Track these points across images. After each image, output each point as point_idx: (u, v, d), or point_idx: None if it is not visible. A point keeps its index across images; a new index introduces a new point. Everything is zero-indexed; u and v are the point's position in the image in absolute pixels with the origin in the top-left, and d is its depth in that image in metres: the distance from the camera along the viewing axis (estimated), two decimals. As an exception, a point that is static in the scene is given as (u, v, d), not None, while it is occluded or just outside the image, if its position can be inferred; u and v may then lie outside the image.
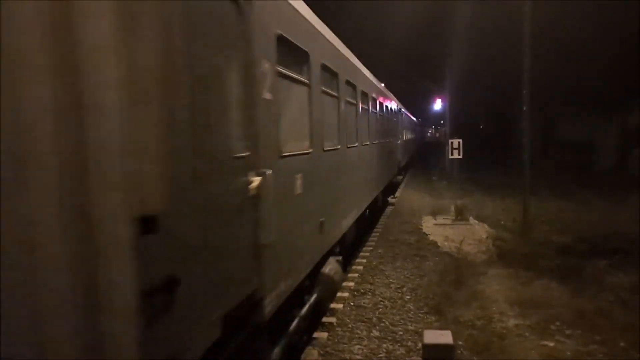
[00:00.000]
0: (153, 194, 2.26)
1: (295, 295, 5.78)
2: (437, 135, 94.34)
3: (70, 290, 2.08)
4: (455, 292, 8.90)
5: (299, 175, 5.71)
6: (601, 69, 26.77)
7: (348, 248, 9.73)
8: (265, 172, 4.25)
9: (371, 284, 9.59)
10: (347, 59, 9.81)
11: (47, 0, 2.00)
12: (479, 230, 14.54)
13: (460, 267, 10.27)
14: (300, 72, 6.20)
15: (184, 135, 2.95)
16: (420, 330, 7.21)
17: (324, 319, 7.73)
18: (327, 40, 7.82)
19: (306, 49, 6.27)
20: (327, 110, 7.65)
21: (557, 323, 7.49)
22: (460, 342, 6.68)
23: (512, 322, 7.61)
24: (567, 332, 7.24)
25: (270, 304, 4.61)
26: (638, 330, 7.06)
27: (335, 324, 7.59)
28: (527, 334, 7.20)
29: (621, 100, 29.31)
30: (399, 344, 6.93)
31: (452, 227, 14.94)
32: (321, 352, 6.68)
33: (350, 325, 7.57)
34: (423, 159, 48.11)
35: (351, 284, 9.49)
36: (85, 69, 2.09)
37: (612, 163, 29.72)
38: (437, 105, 44.74)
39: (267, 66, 4.65)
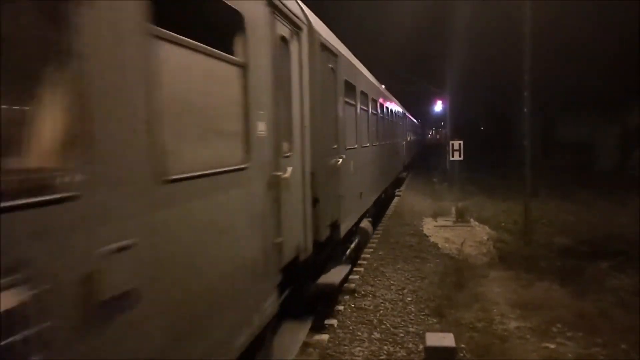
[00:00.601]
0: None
1: (348, 236, 9.49)
2: (438, 136, 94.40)
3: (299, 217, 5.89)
4: (456, 294, 8.89)
5: (351, 162, 9.36)
6: (601, 70, 26.79)
7: (372, 216, 13.53)
8: (342, 157, 8.22)
9: (372, 285, 9.58)
10: (373, 83, 13.93)
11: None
12: (479, 232, 14.54)
13: (461, 269, 10.27)
14: (351, 98, 9.75)
15: (319, 139, 6.72)
16: (421, 332, 7.21)
17: (325, 321, 7.72)
18: (363, 73, 11.74)
19: (354, 84, 10.09)
20: (363, 120, 11.50)
21: (559, 325, 7.49)
22: (462, 345, 6.67)
23: (513, 324, 7.60)
24: (569, 334, 7.24)
25: (342, 229, 8.35)
26: (639, 332, 7.05)
27: (336, 325, 7.59)
28: (528, 336, 7.20)
29: (621, 101, 29.30)
30: (399, 346, 6.92)
31: (452, 229, 14.94)
32: (322, 353, 6.67)
33: (351, 327, 7.57)
34: (424, 160, 48.13)
35: (352, 285, 9.48)
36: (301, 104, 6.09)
37: (612, 164, 29.70)
38: (438, 106, 44.71)
39: (340, 98, 8.48)
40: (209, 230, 3.44)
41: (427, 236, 14.08)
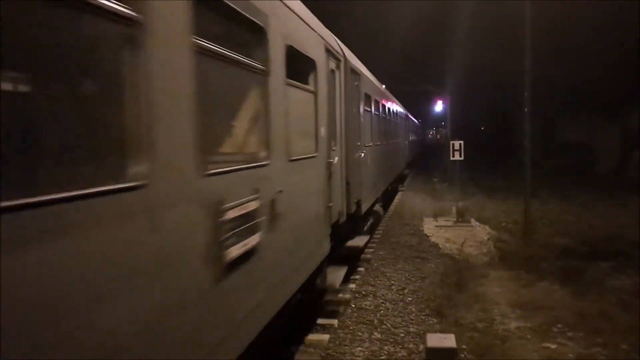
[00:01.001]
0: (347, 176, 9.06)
1: (366, 215, 12.19)
2: (438, 136, 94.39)
3: (339, 192, 8.48)
4: (457, 294, 8.89)
5: (369, 156, 11.59)
6: (602, 71, 26.78)
7: (382, 202, 17.01)
8: (363, 152, 10.65)
9: (372, 286, 9.58)
10: (383, 91, 17.11)
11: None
12: (480, 232, 14.54)
13: (462, 269, 10.28)
14: (368, 106, 12.13)
15: (349, 138, 9.20)
16: (422, 332, 7.22)
17: (325, 322, 7.73)
18: (376, 85, 14.68)
19: (370, 94, 12.55)
20: (376, 123, 13.82)
21: (559, 325, 7.49)
22: (463, 346, 6.67)
23: (513, 324, 7.60)
24: (569, 334, 7.24)
25: (363, 207, 10.67)
26: (639, 332, 7.06)
27: (336, 326, 7.59)
28: (529, 336, 7.20)
29: (622, 102, 29.30)
30: (400, 346, 6.92)
31: (453, 229, 14.94)
32: (322, 354, 6.67)
33: (351, 328, 7.57)
34: (424, 160, 48.11)
35: (352, 285, 9.48)
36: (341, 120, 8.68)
37: (612, 165, 29.70)
38: (438, 106, 44.72)
39: (361, 107, 10.87)
40: (304, 190, 6.20)
41: (428, 236, 14.08)
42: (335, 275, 8.25)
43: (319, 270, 7.19)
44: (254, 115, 4.69)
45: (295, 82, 5.60)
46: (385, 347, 6.91)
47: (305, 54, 6.27)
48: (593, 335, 7.15)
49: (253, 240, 4.07)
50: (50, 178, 2.21)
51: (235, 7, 3.86)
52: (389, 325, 7.67)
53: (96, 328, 2.27)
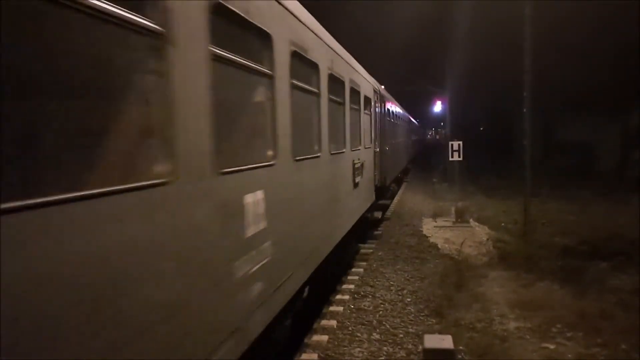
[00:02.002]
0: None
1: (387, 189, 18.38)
2: (437, 137, 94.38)
3: (376, 169, 14.44)
4: (456, 294, 8.87)
5: (390, 151, 17.84)
6: (602, 70, 26.76)
7: (397, 181, 24.20)
8: (387, 147, 16.94)
9: (371, 286, 9.56)
10: (396, 103, 22.71)
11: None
12: (479, 232, 14.52)
13: (461, 270, 10.25)
14: (389, 117, 18.11)
15: (379, 138, 15.26)
16: (420, 333, 7.19)
17: (324, 323, 7.70)
18: (392, 100, 20.19)
19: (389, 109, 18.04)
20: (392, 127, 19.42)
21: (559, 325, 7.46)
22: (460, 347, 6.65)
23: (513, 324, 7.58)
24: (569, 334, 7.21)
25: (387, 180, 17.20)
26: (639, 332, 7.02)
27: (335, 327, 7.57)
28: (528, 336, 7.18)
29: (622, 101, 29.26)
30: (399, 347, 6.90)
31: (452, 230, 14.93)
32: (322, 355, 6.65)
33: (350, 328, 7.55)
34: (423, 160, 48.09)
35: (351, 286, 9.46)
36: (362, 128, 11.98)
37: (612, 165, 29.66)
38: (437, 107, 44.73)
39: (385, 118, 16.48)
40: (366, 164, 12.05)
41: (427, 236, 14.06)
42: (377, 214, 15.70)
43: (370, 209, 13.33)
44: (334, 124, 8.03)
45: (357, 107, 10.74)
46: (384, 348, 6.89)
47: (365, 93, 11.79)
48: (593, 335, 7.12)
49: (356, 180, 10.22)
50: (101, 175, 2.63)
51: (303, 55, 5.97)
52: (388, 325, 7.65)
53: (148, 296, 2.80)
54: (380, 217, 15.87)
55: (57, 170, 2.41)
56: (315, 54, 6.68)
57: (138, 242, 2.71)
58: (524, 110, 13.02)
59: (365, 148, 11.65)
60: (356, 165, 10.14)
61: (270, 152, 4.97)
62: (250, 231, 4.26)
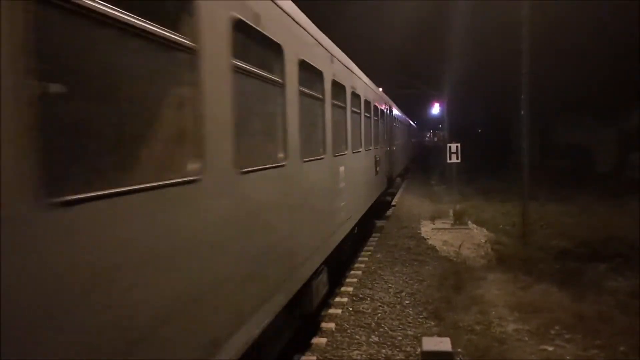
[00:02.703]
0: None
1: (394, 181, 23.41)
2: (436, 139, 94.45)
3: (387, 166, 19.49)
4: (455, 296, 8.87)
5: (396, 150, 23.77)
6: (599, 72, 26.80)
7: (403, 174, 31.05)
8: (394, 147, 22.33)
9: (370, 289, 9.55)
10: (399, 111, 26.91)
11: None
12: (477, 234, 14.53)
13: (459, 272, 10.25)
14: (396, 123, 23.65)
15: (388, 140, 19.31)
16: (419, 335, 7.19)
17: (324, 325, 7.70)
18: (398, 109, 25.75)
19: (395, 117, 23.15)
20: (397, 130, 24.77)
21: (557, 327, 7.46)
22: (459, 350, 6.65)
23: (511, 326, 7.58)
24: (567, 336, 7.21)
25: (394, 174, 22.72)
26: (638, 334, 7.03)
27: (334, 329, 7.56)
28: (526, 338, 7.18)
29: (619, 104, 29.32)
30: (398, 349, 6.90)
31: (450, 232, 14.93)
32: (320, 357, 6.64)
33: (349, 331, 7.54)
34: (421, 162, 48.10)
35: (350, 289, 9.45)
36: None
37: (610, 167, 29.70)
38: (435, 109, 44.78)
39: (393, 124, 22.13)
40: (387, 157, 18.87)
41: (425, 239, 14.06)
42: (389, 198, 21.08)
43: (383, 193, 18.04)
44: (367, 130, 12.59)
45: (377, 118, 14.72)
46: (383, 350, 6.89)
47: (381, 108, 15.90)
48: (591, 337, 7.12)
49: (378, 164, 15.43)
50: (146, 173, 3.09)
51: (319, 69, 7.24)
52: (386, 328, 7.65)
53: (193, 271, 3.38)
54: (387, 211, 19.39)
55: (118, 167, 2.94)
56: (359, 90, 11.23)
57: (178, 228, 3.22)
58: (522, 112, 13.05)
59: (381, 147, 16.43)
60: (377, 159, 14.87)
61: (342, 146, 9.13)
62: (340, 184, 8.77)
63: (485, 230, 14.95)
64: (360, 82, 11.50)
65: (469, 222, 16.14)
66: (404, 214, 18.64)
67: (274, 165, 5.19)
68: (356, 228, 11.16)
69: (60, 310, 2.18)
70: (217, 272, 3.75)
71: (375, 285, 9.79)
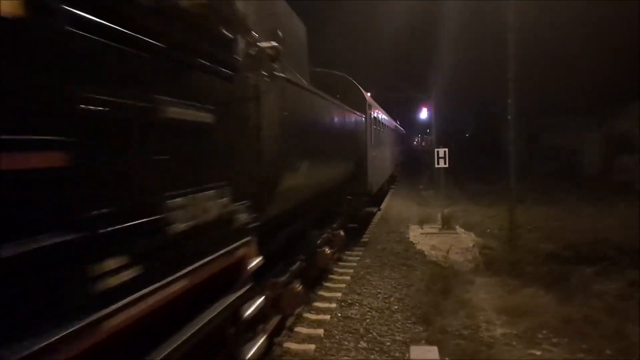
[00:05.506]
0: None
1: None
2: (424, 143, 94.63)
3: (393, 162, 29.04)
4: (443, 301, 8.87)
5: (390, 152, 25.37)
6: (586, 77, 27.07)
7: (401, 164, 40.12)
8: (391, 150, 26.55)
9: (358, 294, 9.53)
10: (393, 121, 31.60)
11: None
12: (465, 238, 14.57)
13: (447, 276, 10.27)
14: (390, 133, 25.07)
15: (388, 143, 23.65)
16: (408, 340, 7.18)
17: (312, 331, 7.67)
18: (395, 124, 34.12)
19: (395, 130, 30.72)
20: (393, 138, 28.16)
21: (544, 331, 7.49)
22: (446, 358, 6.64)
23: (499, 330, 7.60)
24: (554, 340, 7.24)
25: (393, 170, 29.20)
26: (625, 337, 7.07)
27: (322, 335, 7.53)
28: (514, 342, 7.19)
29: (606, 108, 29.61)
30: (386, 355, 6.87)
31: (438, 236, 14.96)
32: (308, 364, 6.61)
33: (337, 337, 7.50)
34: (409, 167, 48.23)
35: (338, 294, 9.43)
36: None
37: (597, 170, 29.96)
38: (423, 113, 44.98)
39: (391, 131, 25.99)
40: (395, 153, 31.44)
41: (414, 243, 14.07)
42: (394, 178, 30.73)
43: (392, 176, 28.01)
44: (387, 137, 22.30)
45: (388, 132, 23.00)
46: (372, 356, 6.86)
47: (389, 126, 23.73)
48: (578, 341, 7.16)
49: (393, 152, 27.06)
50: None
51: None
52: (375, 334, 7.62)
53: None
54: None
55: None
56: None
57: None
58: (509, 117, 13.12)
59: (389, 147, 23.13)
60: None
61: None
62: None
63: (473, 235, 15.00)
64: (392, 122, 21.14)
65: (457, 226, 16.19)
66: (392, 218, 18.66)
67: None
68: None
69: None
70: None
71: (364, 290, 9.77)
